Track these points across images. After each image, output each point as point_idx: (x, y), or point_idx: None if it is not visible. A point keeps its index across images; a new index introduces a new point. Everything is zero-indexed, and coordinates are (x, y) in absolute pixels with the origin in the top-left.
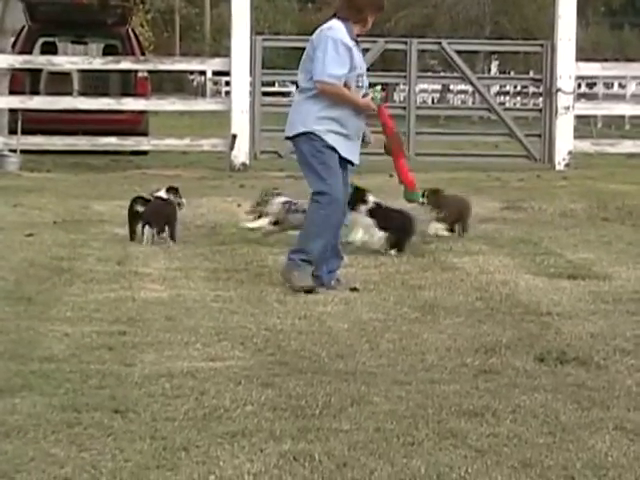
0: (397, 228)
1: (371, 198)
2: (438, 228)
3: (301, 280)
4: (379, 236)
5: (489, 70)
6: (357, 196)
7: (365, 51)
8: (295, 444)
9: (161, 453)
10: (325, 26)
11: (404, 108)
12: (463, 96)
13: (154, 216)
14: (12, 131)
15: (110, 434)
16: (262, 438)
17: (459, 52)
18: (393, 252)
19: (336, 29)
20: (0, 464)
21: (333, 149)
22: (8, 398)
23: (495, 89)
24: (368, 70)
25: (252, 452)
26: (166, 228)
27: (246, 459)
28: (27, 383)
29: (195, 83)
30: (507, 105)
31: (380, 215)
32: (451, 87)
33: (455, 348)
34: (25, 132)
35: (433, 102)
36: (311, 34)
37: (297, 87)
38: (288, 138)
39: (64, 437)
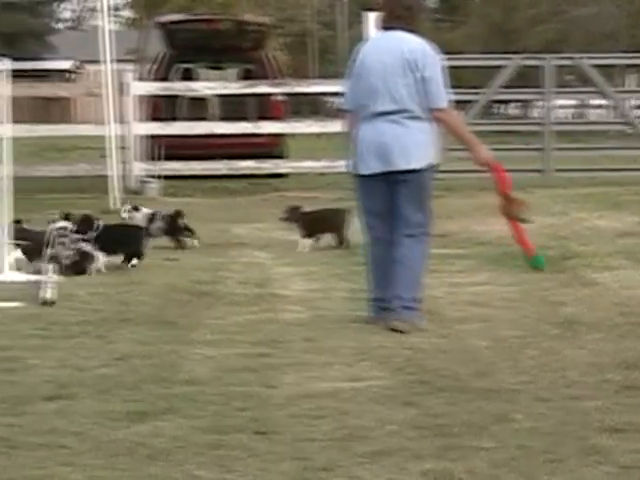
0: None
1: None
2: (305, 244)
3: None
4: None
5: (625, 84)
6: None
7: (499, 68)
8: (437, 463)
9: (303, 473)
10: (416, 40)
11: (541, 124)
12: (600, 111)
13: None
14: (152, 157)
15: (253, 455)
16: (404, 457)
17: (595, 66)
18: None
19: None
20: None
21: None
22: (152, 421)
23: (632, 102)
24: (505, 87)
25: (394, 471)
26: None
27: (388, 478)
28: (171, 406)
29: (331, 105)
30: None
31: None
32: (588, 102)
33: (596, 364)
34: (166, 158)
35: (571, 117)
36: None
37: (379, 113)
38: (405, 172)
39: (208, 459)
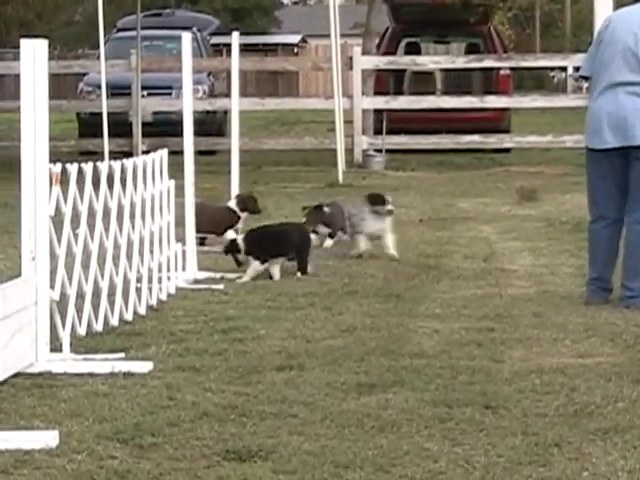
0: None
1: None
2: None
3: None
4: None
5: None
6: None
7: None
8: None
9: (533, 449)
10: None
11: None
12: None
13: None
14: (377, 131)
15: (482, 429)
16: (635, 435)
17: None
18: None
19: None
20: (376, 457)
21: None
22: (381, 393)
23: None
24: None
25: (625, 449)
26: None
27: (619, 456)
28: (399, 379)
29: (555, 80)
30: None
31: None
32: None
33: None
34: (390, 132)
35: None
36: None
37: (618, 83)
38: (635, 147)
39: (437, 432)
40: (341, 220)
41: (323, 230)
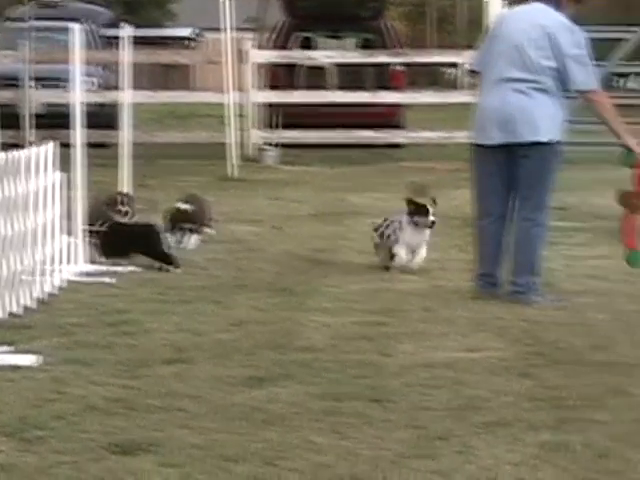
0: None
1: None
2: None
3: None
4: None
5: None
6: None
7: (619, 41)
8: (553, 434)
9: (419, 442)
10: (559, 16)
11: None
12: None
13: None
14: (270, 125)
15: (369, 423)
16: (520, 428)
17: None
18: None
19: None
20: (263, 451)
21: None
22: (270, 387)
23: None
24: (626, 60)
25: (510, 442)
26: None
27: (504, 449)
28: (288, 372)
29: (449, 76)
30: None
31: None
32: None
33: None
34: (283, 126)
35: None
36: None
37: (506, 79)
38: (519, 144)
39: (325, 425)
40: (203, 214)
41: (186, 226)
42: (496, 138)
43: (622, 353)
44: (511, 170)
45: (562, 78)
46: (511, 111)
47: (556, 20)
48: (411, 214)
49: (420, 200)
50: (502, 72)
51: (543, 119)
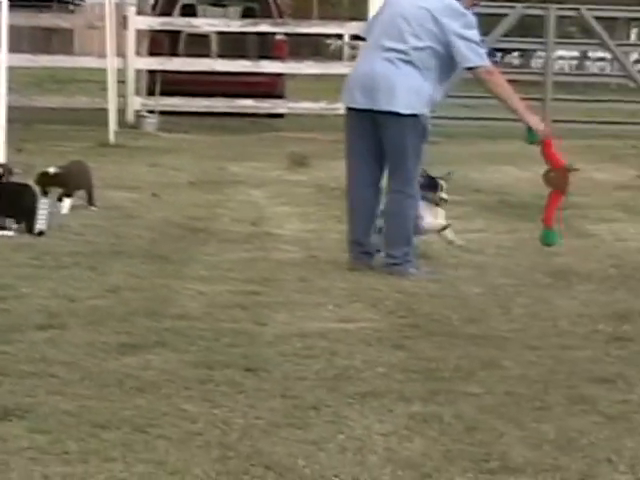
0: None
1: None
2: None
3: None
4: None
5: (628, 37)
6: None
7: (501, 17)
8: (425, 406)
9: (292, 411)
10: None
11: (541, 74)
12: (601, 63)
13: None
14: (150, 92)
15: (242, 392)
16: (392, 399)
17: (598, 18)
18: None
19: None
20: (134, 418)
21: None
22: (142, 354)
23: (634, 57)
24: (507, 36)
25: (382, 413)
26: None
27: (376, 419)
28: (161, 340)
29: (332, 47)
30: None
31: None
32: (590, 54)
33: (587, 315)
34: (163, 93)
35: (571, 69)
36: None
37: (380, 46)
38: (379, 112)
39: (196, 393)
40: (79, 180)
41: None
42: (360, 103)
43: (495, 327)
44: (377, 138)
45: (450, 57)
46: (376, 78)
47: (442, 2)
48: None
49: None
50: (377, 40)
51: (405, 91)
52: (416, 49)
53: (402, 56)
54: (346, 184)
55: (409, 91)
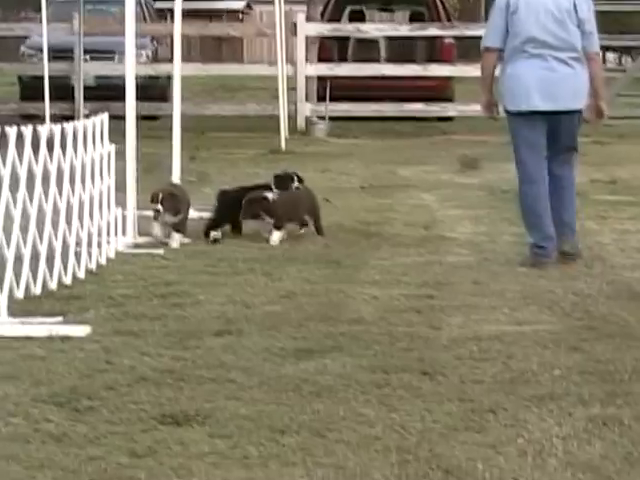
0: None
1: None
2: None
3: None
4: None
5: None
6: None
7: None
8: (604, 408)
9: (469, 415)
10: None
11: None
12: None
13: None
14: (320, 98)
15: (418, 395)
16: (570, 402)
17: None
18: None
19: None
20: (312, 422)
21: None
22: (319, 359)
23: None
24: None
25: (560, 416)
26: None
27: (554, 422)
28: (337, 344)
29: None
30: None
31: None
32: None
33: None
34: (333, 99)
35: None
36: None
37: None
38: (572, 112)
39: (373, 398)
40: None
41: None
42: (540, 105)
43: None
44: (544, 137)
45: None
46: (554, 79)
47: None
48: None
49: None
50: (537, 45)
51: (584, 87)
52: (574, 44)
53: (571, 54)
54: (524, 184)
55: (583, 87)
